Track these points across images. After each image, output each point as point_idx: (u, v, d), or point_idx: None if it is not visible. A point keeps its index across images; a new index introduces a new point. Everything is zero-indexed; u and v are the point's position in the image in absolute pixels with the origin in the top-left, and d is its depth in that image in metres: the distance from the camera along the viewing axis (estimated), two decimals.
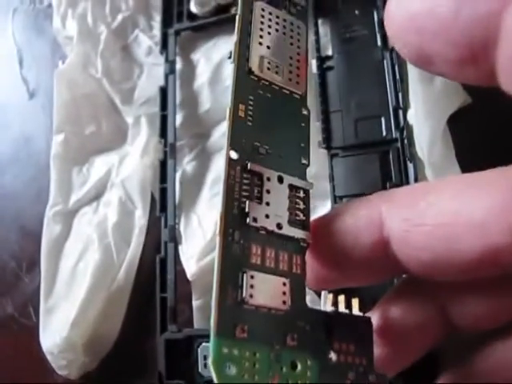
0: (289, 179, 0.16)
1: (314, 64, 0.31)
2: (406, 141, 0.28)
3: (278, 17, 0.21)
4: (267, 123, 0.18)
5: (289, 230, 0.16)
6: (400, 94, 0.29)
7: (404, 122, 0.29)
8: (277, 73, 0.19)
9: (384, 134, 0.29)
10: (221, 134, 0.32)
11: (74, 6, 0.36)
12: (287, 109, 0.19)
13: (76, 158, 0.34)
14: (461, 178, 0.14)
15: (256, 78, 0.18)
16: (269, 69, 0.19)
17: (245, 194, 0.15)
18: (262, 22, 0.21)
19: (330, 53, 0.31)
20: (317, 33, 0.31)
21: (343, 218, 0.15)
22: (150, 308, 0.31)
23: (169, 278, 0.30)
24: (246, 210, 0.15)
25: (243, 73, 0.18)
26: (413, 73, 0.29)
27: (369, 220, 0.15)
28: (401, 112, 0.29)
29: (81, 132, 0.34)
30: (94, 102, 0.34)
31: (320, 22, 0.32)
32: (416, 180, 0.28)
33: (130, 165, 0.33)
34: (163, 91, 0.33)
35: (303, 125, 0.19)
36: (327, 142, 0.30)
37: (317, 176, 0.29)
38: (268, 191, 0.16)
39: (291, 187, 0.16)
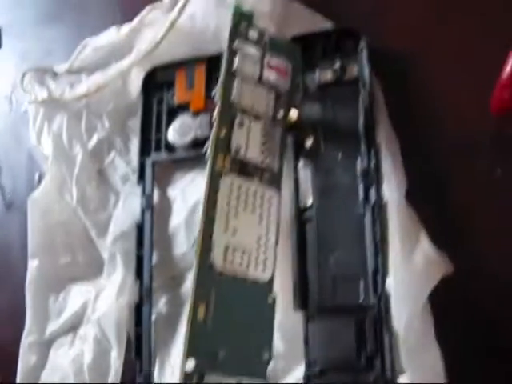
0: None
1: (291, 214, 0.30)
2: (383, 310, 0.28)
3: (248, 189, 0.20)
4: (229, 321, 0.17)
5: None
6: (380, 256, 0.28)
7: (382, 289, 0.28)
8: (240, 264, 0.18)
9: (361, 298, 0.28)
10: None
11: (50, 119, 0.35)
12: (251, 300, 0.18)
13: (51, 285, 0.34)
14: None
15: (219, 273, 0.17)
16: (232, 261, 0.18)
17: None
18: (228, 203, 0.19)
19: (309, 202, 0.30)
20: (296, 181, 0.30)
21: None
22: None
23: None
24: None
25: (205, 269, 0.17)
26: (393, 241, 0.28)
27: None
28: (379, 276, 0.28)
29: (55, 261, 0.34)
30: (68, 230, 0.34)
31: (300, 164, 0.31)
32: (391, 351, 0.27)
33: (106, 302, 0.32)
34: (139, 229, 0.32)
35: (268, 315, 0.18)
36: (303, 300, 0.29)
37: (291, 337, 0.28)
38: None
39: None
